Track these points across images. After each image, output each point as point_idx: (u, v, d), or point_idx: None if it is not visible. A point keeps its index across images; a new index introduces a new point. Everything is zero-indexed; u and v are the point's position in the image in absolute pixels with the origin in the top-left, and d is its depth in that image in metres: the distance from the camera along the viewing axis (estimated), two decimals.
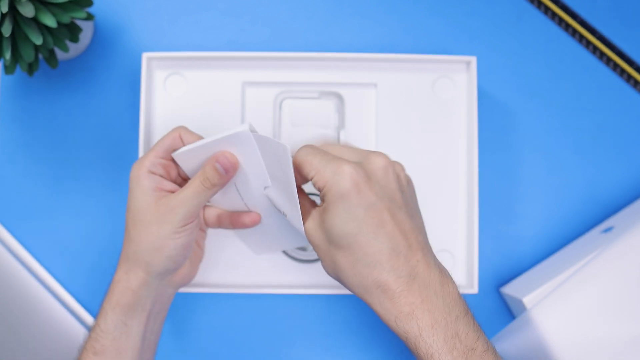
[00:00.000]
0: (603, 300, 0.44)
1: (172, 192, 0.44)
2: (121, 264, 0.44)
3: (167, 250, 0.43)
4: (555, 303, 0.45)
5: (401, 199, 0.39)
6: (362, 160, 0.40)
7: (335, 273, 0.40)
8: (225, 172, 0.42)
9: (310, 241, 0.41)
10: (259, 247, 0.52)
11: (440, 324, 0.36)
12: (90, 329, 0.45)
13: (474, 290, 0.51)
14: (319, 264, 0.53)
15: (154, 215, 0.42)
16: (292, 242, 0.50)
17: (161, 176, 0.44)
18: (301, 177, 0.41)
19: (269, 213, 0.46)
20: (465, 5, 0.57)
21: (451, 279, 0.38)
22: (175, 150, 0.45)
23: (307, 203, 0.43)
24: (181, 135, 0.45)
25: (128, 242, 0.44)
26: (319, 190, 0.40)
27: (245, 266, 0.53)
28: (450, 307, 0.36)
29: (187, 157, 0.44)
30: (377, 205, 0.37)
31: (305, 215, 0.41)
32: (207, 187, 0.42)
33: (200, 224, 0.48)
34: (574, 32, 0.57)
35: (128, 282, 0.43)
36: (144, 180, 0.43)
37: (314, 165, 0.39)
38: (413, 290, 0.36)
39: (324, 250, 0.40)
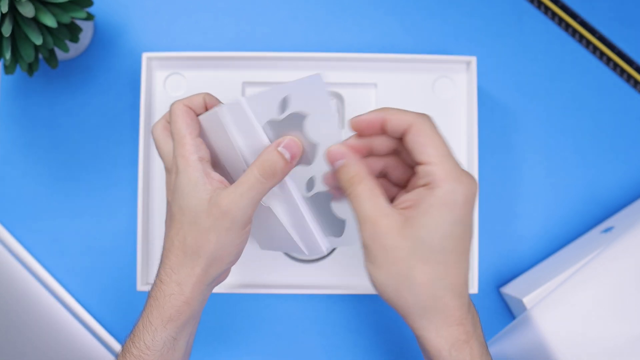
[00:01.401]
0: (603, 300, 0.44)
1: (220, 183, 0.38)
2: (171, 273, 0.39)
3: (228, 257, 0.39)
4: (555, 303, 0.45)
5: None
6: (462, 175, 0.34)
7: (394, 284, 0.34)
8: (292, 159, 0.37)
9: (380, 241, 0.34)
10: (265, 243, 0.49)
11: (485, 353, 0.36)
12: (127, 341, 0.41)
13: (474, 290, 0.51)
14: (319, 264, 0.53)
15: (209, 220, 0.37)
16: (296, 249, 0.45)
17: (208, 162, 0.39)
18: (404, 150, 0.36)
19: (289, 213, 0.42)
20: (465, 6, 0.57)
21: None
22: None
23: (380, 191, 0.35)
24: (206, 101, 0.40)
25: (181, 248, 0.38)
26: (423, 178, 0.34)
27: (246, 266, 0.53)
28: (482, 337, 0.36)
29: (227, 118, 0.38)
30: (469, 229, 0.34)
31: (378, 210, 0.34)
32: (267, 178, 0.37)
33: None
34: (574, 32, 0.57)
35: (182, 294, 0.38)
36: (194, 172, 0.38)
37: (428, 153, 0.34)
38: (468, 319, 0.35)
39: (398, 258, 0.34)
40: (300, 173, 0.39)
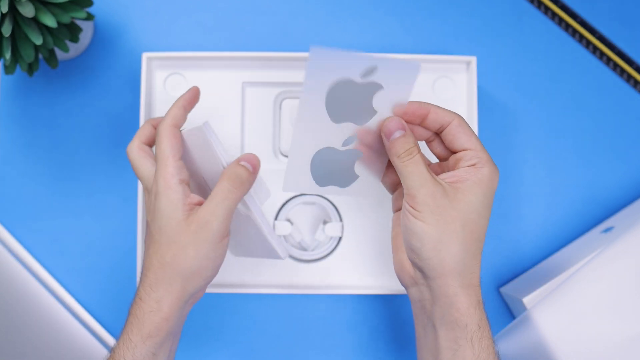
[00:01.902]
0: (603, 300, 0.44)
1: (198, 204, 0.41)
2: (150, 291, 0.40)
3: (205, 271, 0.40)
4: (555, 303, 0.45)
5: None
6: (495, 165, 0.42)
7: (436, 238, 0.39)
8: (253, 170, 0.41)
9: (438, 201, 0.39)
10: (237, 249, 0.51)
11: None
12: (109, 355, 0.42)
13: None
14: (319, 264, 0.53)
15: (188, 235, 0.39)
16: (264, 254, 0.47)
17: (187, 184, 0.41)
18: (443, 140, 0.42)
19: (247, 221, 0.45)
20: (465, 6, 0.57)
21: None
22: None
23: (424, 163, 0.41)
24: (186, 109, 0.44)
25: (160, 266, 0.40)
26: (469, 160, 0.40)
27: (245, 266, 0.53)
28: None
29: (213, 136, 0.42)
30: (490, 210, 0.41)
31: (434, 177, 0.40)
32: (237, 187, 0.40)
33: None
34: (574, 32, 0.57)
35: (161, 311, 0.40)
36: (174, 194, 0.40)
37: (473, 142, 0.40)
38: (477, 285, 0.41)
39: (450, 217, 0.39)
40: (346, 131, 0.42)
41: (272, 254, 0.46)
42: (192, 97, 0.44)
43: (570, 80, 0.57)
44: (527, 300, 0.49)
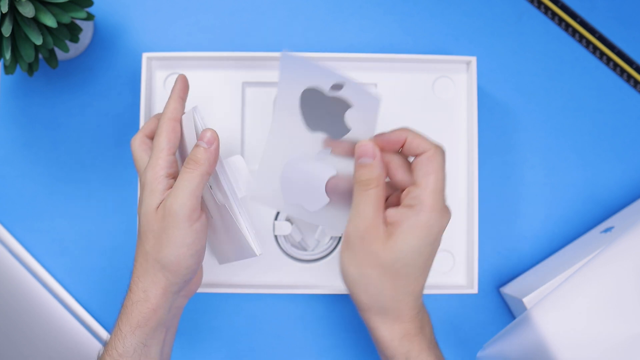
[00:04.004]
0: (603, 300, 0.44)
1: None
2: (137, 281, 0.41)
3: (185, 260, 0.40)
4: (555, 303, 0.45)
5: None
6: (444, 209, 0.40)
7: (365, 282, 0.40)
8: (209, 145, 0.40)
9: (367, 244, 0.39)
10: (219, 255, 0.50)
11: (433, 346, 0.42)
12: (103, 348, 0.43)
13: (474, 290, 0.51)
14: (319, 264, 0.53)
15: (159, 223, 0.40)
16: (238, 253, 0.46)
17: (174, 178, 0.42)
18: (406, 171, 0.40)
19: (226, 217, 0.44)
20: (465, 6, 0.57)
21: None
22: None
23: (383, 201, 0.40)
24: (182, 96, 0.44)
25: (143, 256, 0.41)
26: (412, 199, 0.38)
27: (245, 266, 0.53)
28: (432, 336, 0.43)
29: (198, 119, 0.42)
30: (434, 253, 0.40)
31: (377, 218, 0.39)
32: (193, 167, 0.40)
33: None
34: (574, 32, 0.57)
35: (148, 301, 0.41)
36: (158, 185, 0.41)
37: (436, 184, 0.38)
38: (418, 318, 0.41)
39: (377, 264, 0.39)
40: (317, 142, 0.42)
41: (245, 251, 0.44)
42: (184, 86, 0.45)
43: (570, 80, 0.57)
44: (527, 300, 0.49)
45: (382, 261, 0.39)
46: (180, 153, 0.45)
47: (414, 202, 0.38)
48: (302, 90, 0.40)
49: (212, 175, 0.42)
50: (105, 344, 0.43)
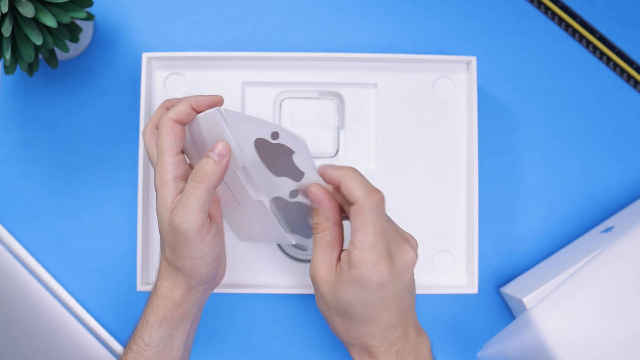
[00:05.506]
0: (603, 300, 0.44)
1: None
2: (162, 280, 0.43)
3: (201, 269, 0.41)
4: (555, 303, 0.45)
5: (412, 288, 0.41)
6: (395, 249, 0.38)
7: (325, 314, 0.42)
8: (219, 158, 0.39)
9: (317, 286, 0.40)
10: (242, 234, 0.51)
11: None
12: (129, 339, 0.44)
13: (474, 290, 0.51)
14: None
15: (171, 237, 0.41)
16: (274, 238, 0.48)
17: (184, 180, 0.42)
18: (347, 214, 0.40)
19: (254, 203, 0.45)
20: (465, 6, 0.57)
21: (426, 336, 0.42)
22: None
23: (337, 243, 0.40)
24: (192, 106, 0.42)
25: (165, 260, 0.43)
26: (347, 254, 0.38)
27: (245, 266, 0.53)
28: None
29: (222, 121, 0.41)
30: (390, 299, 0.39)
31: (324, 262, 0.40)
32: (199, 181, 0.39)
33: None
34: (574, 32, 0.57)
35: (173, 298, 0.42)
36: (167, 191, 0.41)
37: (366, 239, 0.37)
38: (392, 353, 0.40)
39: (326, 305, 0.40)
40: (287, 185, 0.42)
41: (279, 238, 0.46)
42: (207, 102, 0.43)
43: (570, 80, 0.57)
44: (527, 300, 0.49)
45: (329, 303, 0.40)
46: (200, 152, 0.44)
47: (348, 256, 0.38)
48: (252, 140, 0.41)
49: (248, 169, 0.42)
50: (131, 334, 0.44)
